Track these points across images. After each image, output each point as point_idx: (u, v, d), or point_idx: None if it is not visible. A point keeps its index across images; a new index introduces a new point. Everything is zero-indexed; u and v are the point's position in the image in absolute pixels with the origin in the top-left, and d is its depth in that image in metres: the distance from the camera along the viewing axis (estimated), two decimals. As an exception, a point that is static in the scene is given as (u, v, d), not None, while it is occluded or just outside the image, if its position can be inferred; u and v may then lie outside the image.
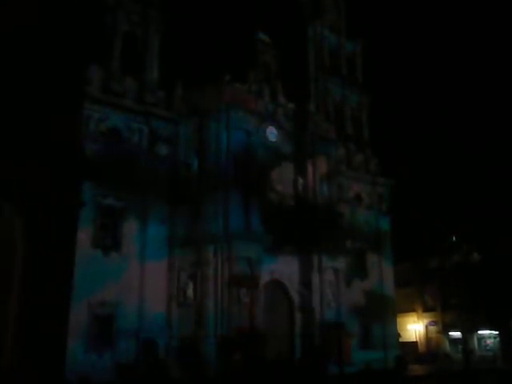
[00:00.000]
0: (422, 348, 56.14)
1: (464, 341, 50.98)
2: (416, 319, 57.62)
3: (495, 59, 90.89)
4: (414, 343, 55.87)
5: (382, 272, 45.31)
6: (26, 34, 14.00)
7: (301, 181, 39.65)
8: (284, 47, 43.83)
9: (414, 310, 57.67)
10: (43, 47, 14.40)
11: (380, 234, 46.14)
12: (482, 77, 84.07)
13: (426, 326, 57.01)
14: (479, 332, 53.15)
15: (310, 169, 40.10)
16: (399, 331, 46.85)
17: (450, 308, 54.91)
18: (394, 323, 45.34)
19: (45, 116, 13.99)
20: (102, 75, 34.06)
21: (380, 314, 43.54)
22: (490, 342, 52.82)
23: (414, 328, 57.32)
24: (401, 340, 47.14)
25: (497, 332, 51.84)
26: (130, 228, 32.79)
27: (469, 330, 52.53)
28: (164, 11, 38.32)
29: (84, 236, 27.34)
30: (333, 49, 49.08)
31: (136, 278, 31.96)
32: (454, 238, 56.11)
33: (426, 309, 57.52)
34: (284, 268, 37.08)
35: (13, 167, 13.06)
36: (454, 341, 54.54)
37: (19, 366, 12.48)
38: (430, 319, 56.83)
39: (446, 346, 55.01)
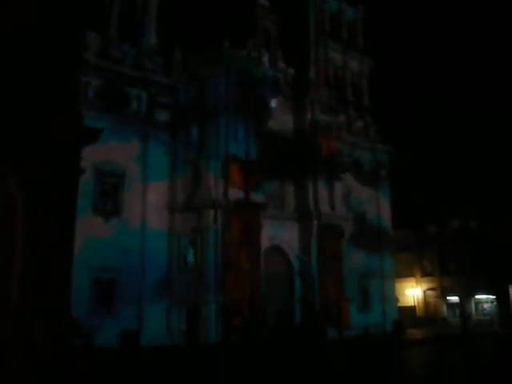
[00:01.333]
0: (419, 312, 56.84)
1: (461, 305, 51.68)
2: (414, 284, 58.18)
3: (499, 24, 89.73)
4: (412, 308, 56.54)
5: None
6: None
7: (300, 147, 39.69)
8: (284, 12, 43.33)
9: (412, 275, 58.17)
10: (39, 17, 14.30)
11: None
12: (487, 42, 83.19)
13: (424, 291, 57.63)
14: (476, 296, 53.87)
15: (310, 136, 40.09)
16: (397, 296, 47.40)
17: (448, 273, 55.45)
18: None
19: (42, 85, 13.97)
20: (100, 41, 33.82)
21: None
22: (487, 306, 53.56)
23: (413, 293, 57.95)
24: (399, 305, 47.74)
25: (494, 296, 52.51)
26: (131, 193, 32.97)
27: (466, 295, 53.22)
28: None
29: (84, 202, 27.39)
30: (334, 14, 48.47)
31: (137, 244, 32.26)
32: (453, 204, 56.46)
33: (425, 274, 58.03)
34: (284, 234, 37.39)
35: (10, 134, 13.07)
36: (451, 305, 55.25)
37: (20, 366, 12.57)
38: (429, 284, 57.40)
39: (444, 310, 55.72)
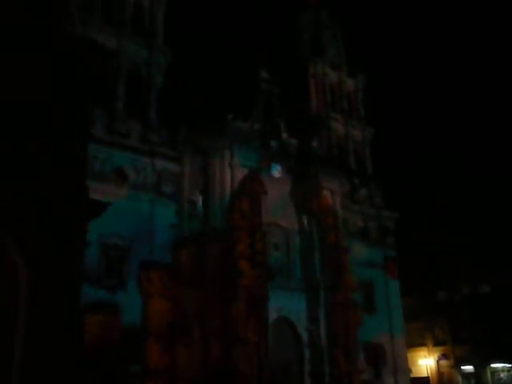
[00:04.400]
0: (434, 383, 55.06)
1: (476, 375, 50.09)
2: (427, 354, 56.59)
3: (493, 84, 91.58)
4: (426, 379, 54.77)
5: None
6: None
7: (305, 218, 39.70)
8: (286, 84, 44.40)
9: (424, 345, 56.69)
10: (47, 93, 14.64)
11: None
12: (487, 103, 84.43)
13: (438, 361, 55.97)
14: (492, 365, 52.17)
15: (314, 206, 40.17)
16: (410, 366, 46.11)
17: (461, 341, 53.93)
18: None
19: (49, 159, 14.13)
20: (106, 116, 34.53)
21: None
22: (503, 375, 51.77)
23: (425, 363, 56.30)
24: (412, 376, 46.37)
25: (510, 365, 50.91)
26: (135, 267, 32.67)
27: (481, 364, 51.62)
28: (167, 51, 39.08)
29: (89, 275, 27.15)
30: (334, 85, 49.73)
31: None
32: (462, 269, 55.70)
33: (437, 343, 56.52)
34: (291, 305, 36.75)
35: (15, 207, 13.11)
36: (466, 375, 53.49)
37: None
38: (441, 353, 55.83)
39: (459, 380, 53.95)
